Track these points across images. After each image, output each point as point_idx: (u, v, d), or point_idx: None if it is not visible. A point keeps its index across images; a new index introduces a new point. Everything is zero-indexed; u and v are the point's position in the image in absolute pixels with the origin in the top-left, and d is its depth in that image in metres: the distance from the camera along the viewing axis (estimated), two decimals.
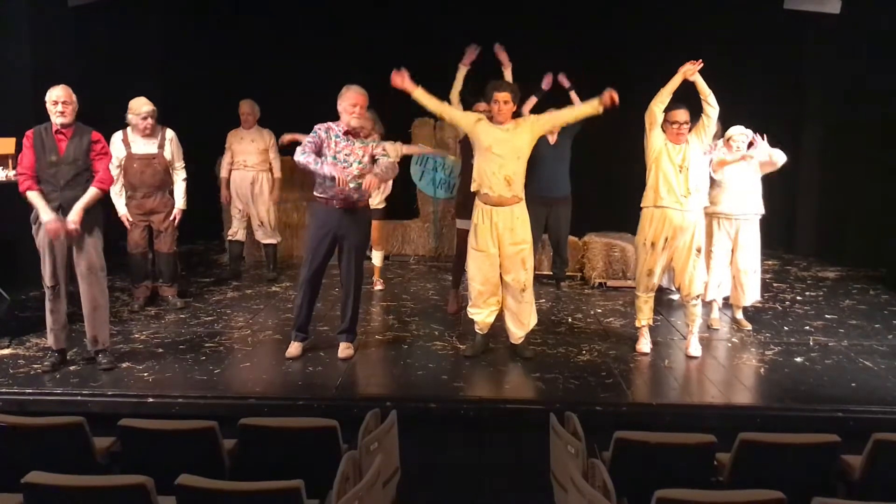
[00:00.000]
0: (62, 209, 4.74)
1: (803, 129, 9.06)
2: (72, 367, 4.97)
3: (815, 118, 9.08)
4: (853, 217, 8.81)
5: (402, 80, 4.98)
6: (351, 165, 4.93)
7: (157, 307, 6.45)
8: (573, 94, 6.57)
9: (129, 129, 6.19)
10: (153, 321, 6.08)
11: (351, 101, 4.90)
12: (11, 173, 6.41)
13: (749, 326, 5.99)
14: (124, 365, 5.02)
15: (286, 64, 9.05)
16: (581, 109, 5.16)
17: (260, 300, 6.80)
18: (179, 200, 6.37)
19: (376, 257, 7.18)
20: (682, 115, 5.16)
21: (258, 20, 9.11)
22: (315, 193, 5.10)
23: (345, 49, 8.90)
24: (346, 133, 4.97)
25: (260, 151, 7.27)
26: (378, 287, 7.19)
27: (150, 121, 6.11)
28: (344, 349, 5.24)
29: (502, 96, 4.97)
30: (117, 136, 6.12)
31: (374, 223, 7.00)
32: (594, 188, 8.21)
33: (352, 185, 4.91)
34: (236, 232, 7.52)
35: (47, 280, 4.84)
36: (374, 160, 5.05)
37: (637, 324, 5.47)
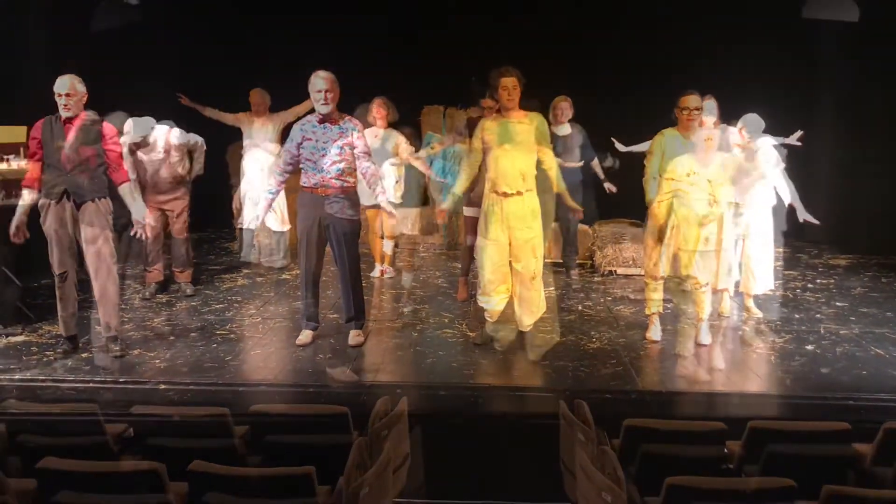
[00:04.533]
0: (68, 193, 4.77)
1: (814, 115, 8.96)
2: (84, 355, 5.01)
3: (826, 104, 8.99)
4: (865, 204, 8.72)
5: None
6: (329, 152, 4.96)
7: (168, 295, 6.48)
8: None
9: None
10: (165, 309, 6.11)
11: (316, 87, 4.94)
12: (23, 162, 6.44)
13: (759, 314, 5.97)
14: (136, 352, 5.06)
15: (292, 52, 9.02)
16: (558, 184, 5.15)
17: (270, 288, 6.82)
18: (198, 166, 6.45)
19: (387, 245, 7.19)
20: (693, 100, 5.09)
21: (266, 9, 9.08)
22: (301, 182, 5.14)
23: (352, 36, 8.85)
24: (321, 121, 5.00)
25: (271, 139, 7.28)
26: (388, 275, 7.21)
27: (139, 138, 6.03)
28: (354, 336, 5.26)
29: (510, 81, 4.90)
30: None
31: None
32: (604, 176, 8.15)
33: (333, 171, 4.95)
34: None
35: (55, 268, 4.88)
36: (353, 149, 5.02)
37: (647, 311, 5.45)
